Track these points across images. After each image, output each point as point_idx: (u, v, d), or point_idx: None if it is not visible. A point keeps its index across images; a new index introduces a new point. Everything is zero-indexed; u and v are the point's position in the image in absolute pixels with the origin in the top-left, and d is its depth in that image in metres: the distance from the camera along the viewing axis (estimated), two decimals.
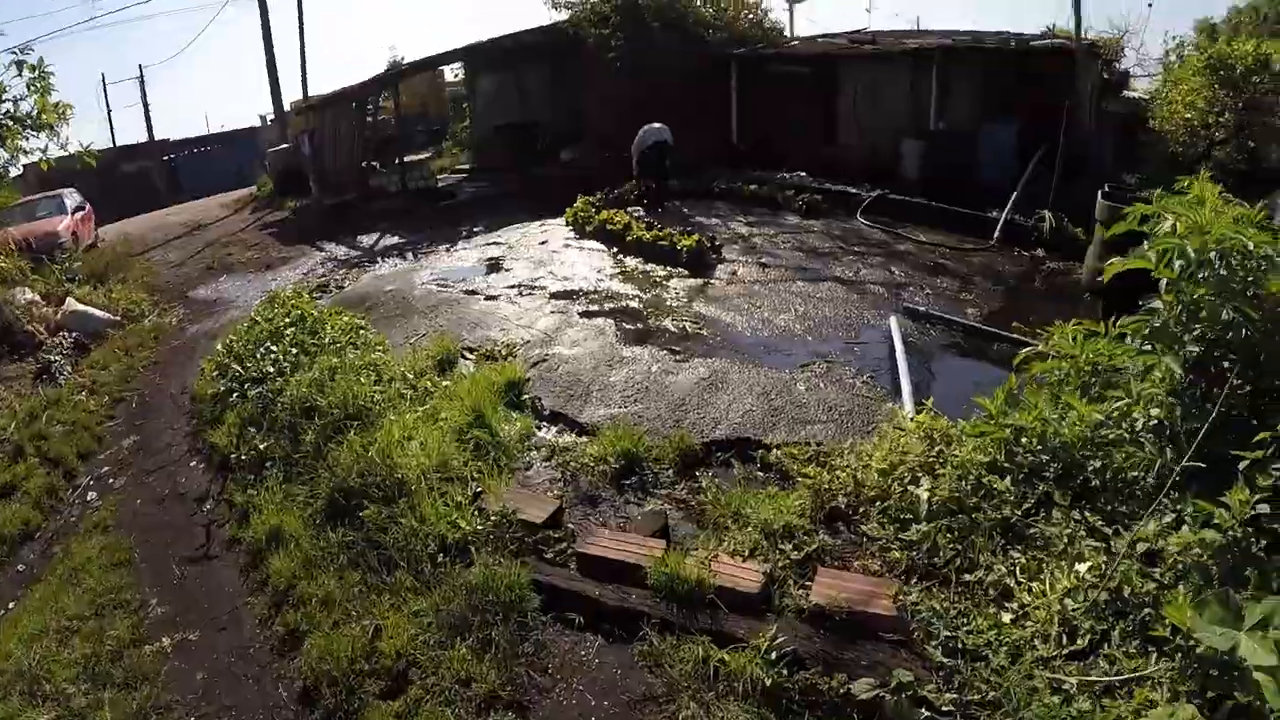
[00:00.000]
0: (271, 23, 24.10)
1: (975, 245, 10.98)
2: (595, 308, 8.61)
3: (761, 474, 5.18)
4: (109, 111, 39.32)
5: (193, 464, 6.75)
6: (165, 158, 33.22)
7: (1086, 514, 3.85)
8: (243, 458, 6.21)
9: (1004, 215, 11.78)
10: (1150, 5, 20.56)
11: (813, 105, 16.20)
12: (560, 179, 15.64)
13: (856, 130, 15.69)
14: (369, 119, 19.15)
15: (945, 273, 9.63)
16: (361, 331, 7.87)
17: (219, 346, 8.17)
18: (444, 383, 6.66)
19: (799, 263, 9.91)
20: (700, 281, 9.28)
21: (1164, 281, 3.91)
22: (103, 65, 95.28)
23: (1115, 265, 4.21)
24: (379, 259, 12.16)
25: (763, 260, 9.98)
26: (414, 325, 8.54)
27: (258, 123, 36.45)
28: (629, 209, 12.71)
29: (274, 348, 7.40)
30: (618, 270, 9.89)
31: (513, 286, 9.59)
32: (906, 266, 9.87)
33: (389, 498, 5.00)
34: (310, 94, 23.82)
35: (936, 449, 4.67)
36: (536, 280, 9.78)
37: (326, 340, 7.49)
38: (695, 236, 9.98)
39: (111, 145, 29.81)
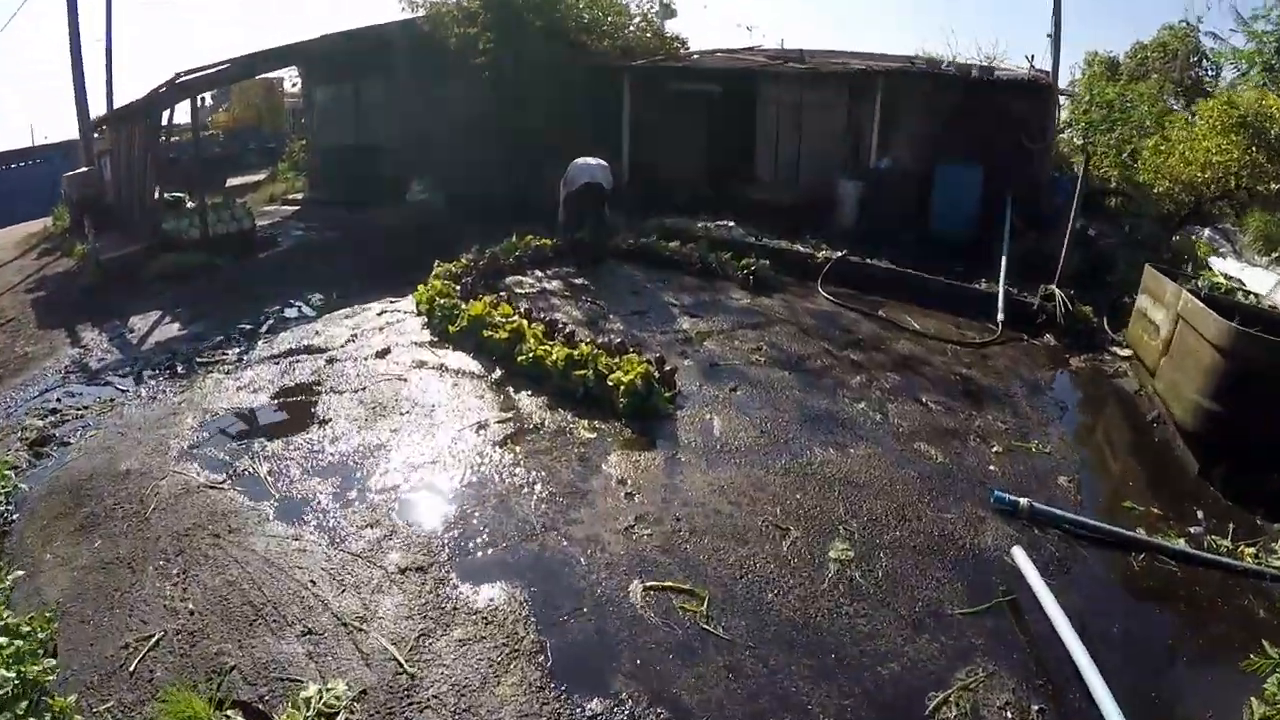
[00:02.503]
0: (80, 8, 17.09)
1: (981, 337, 7.77)
2: (488, 555, 3.95)
3: None
4: None
5: None
6: None
7: None
8: None
9: (1001, 288, 8.73)
10: (1050, 36, 18.70)
11: (725, 133, 12.70)
12: (410, 227, 10.85)
13: (775, 166, 11.83)
14: (165, 138, 13.49)
15: (983, 397, 6.09)
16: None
17: None
18: None
19: (792, 395, 5.87)
20: (656, 458, 4.93)
21: None
22: None
23: None
24: (141, 373, 6.65)
25: (737, 394, 5.85)
26: (142, 598, 3.63)
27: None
28: (546, 273, 8.56)
29: None
30: (510, 428, 5.24)
31: (330, 477, 4.71)
32: (930, 386, 6.23)
33: None
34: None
35: None
36: (369, 468, 4.79)
37: None
38: (640, 364, 5.55)
39: None
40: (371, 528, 4.14)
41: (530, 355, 5.81)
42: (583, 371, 5.52)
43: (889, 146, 11.01)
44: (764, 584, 3.73)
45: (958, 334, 7.66)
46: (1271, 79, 11.41)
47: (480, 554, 3.94)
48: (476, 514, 4.28)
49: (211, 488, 4.59)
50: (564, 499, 4.44)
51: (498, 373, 5.98)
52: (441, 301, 6.90)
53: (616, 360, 5.64)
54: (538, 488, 4.55)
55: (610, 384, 5.41)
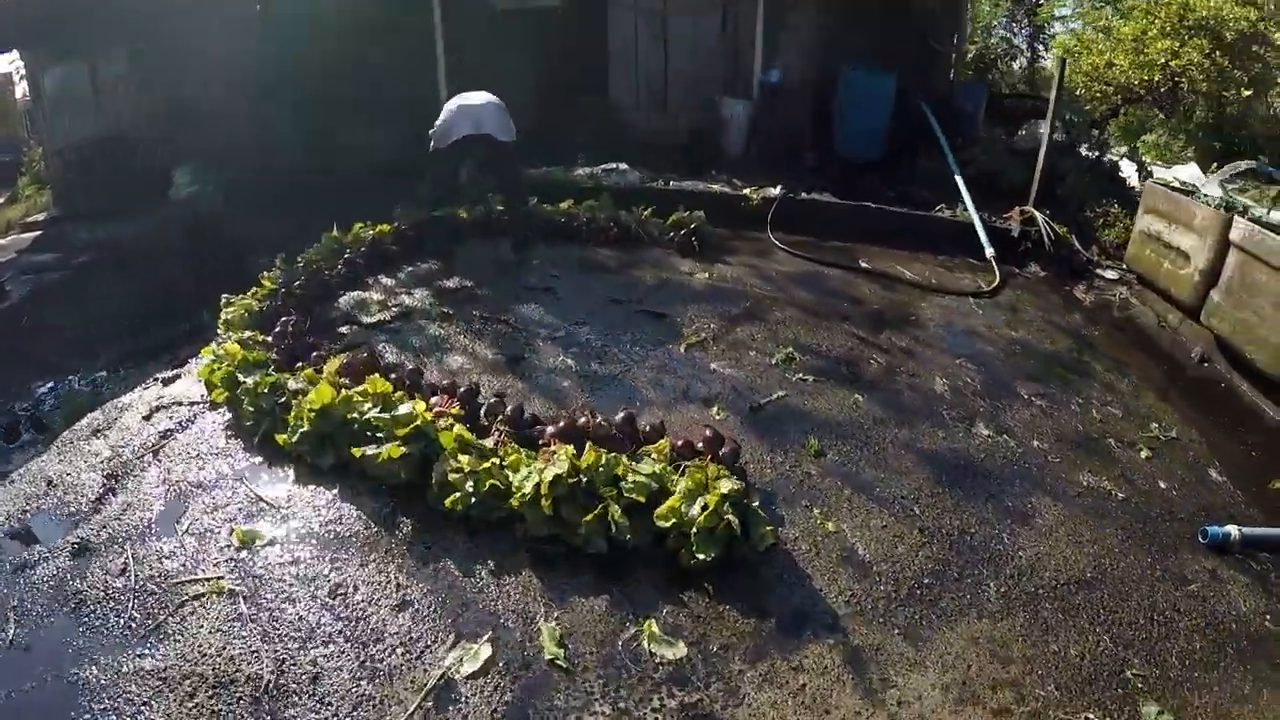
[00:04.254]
0: None
1: (976, 279, 5.97)
2: None
3: None
4: None
5: None
6: None
7: None
8: None
9: (975, 216, 6.90)
10: None
11: (570, 56, 9.55)
12: (177, 239, 6.68)
13: (637, 90, 8.88)
14: None
15: (1064, 372, 4.40)
16: None
17: None
18: None
19: (893, 436, 3.57)
20: (826, 671, 2.31)
21: None
22: None
23: None
24: None
25: (828, 459, 3.38)
26: None
27: None
28: (398, 278, 5.13)
29: None
30: (509, 682, 2.26)
31: None
32: (1006, 367, 4.37)
33: None
34: None
35: None
36: None
37: None
38: (717, 476, 2.78)
39: None
40: None
41: (472, 488, 2.78)
42: (595, 512, 2.67)
43: (776, 54, 8.74)
44: None
45: (956, 280, 5.81)
46: None
47: None
48: None
49: None
50: None
51: (403, 528, 2.87)
52: (251, 380, 3.46)
53: (653, 468, 2.87)
54: None
55: (662, 523, 2.68)
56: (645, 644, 2.38)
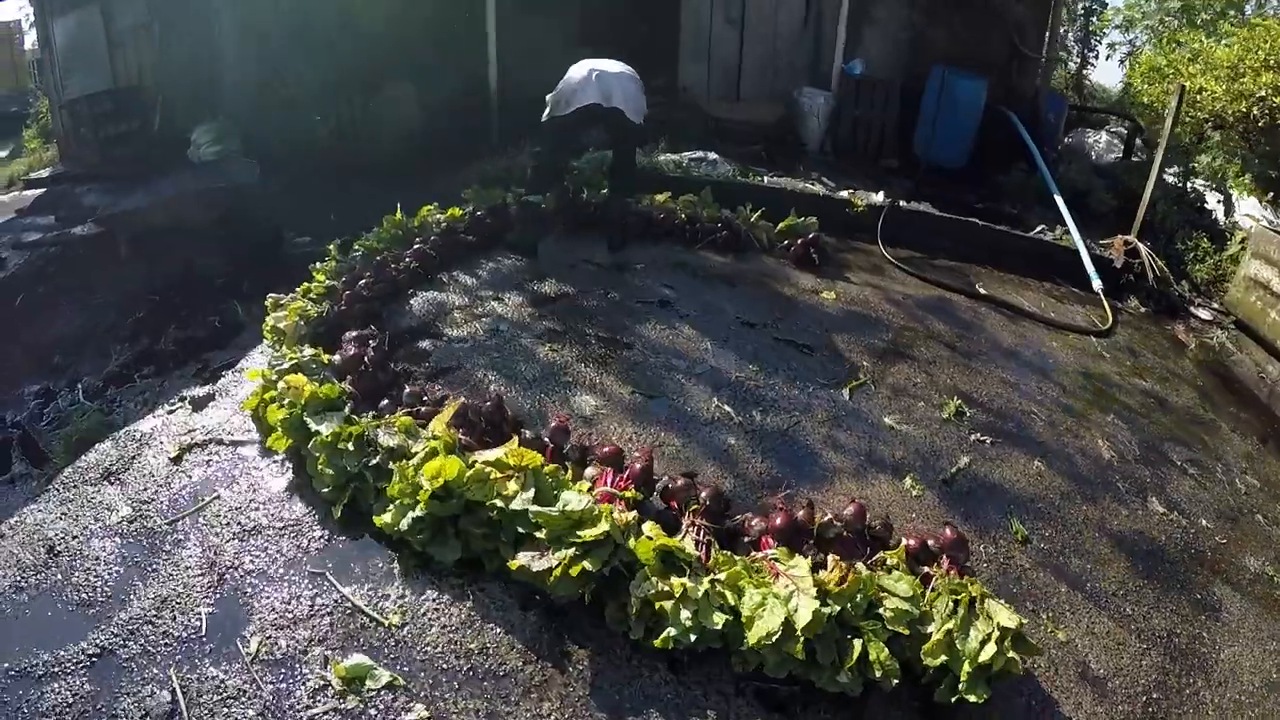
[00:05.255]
0: None
1: (1085, 311, 5.17)
2: None
3: None
4: None
5: None
6: None
7: None
8: None
9: (1080, 243, 6.06)
10: None
11: (633, 31, 8.25)
12: (200, 213, 5.00)
13: (709, 72, 7.80)
14: None
15: (1183, 433, 3.69)
16: None
17: None
18: None
19: (1129, 544, 2.81)
20: None
21: None
22: None
23: None
24: None
25: (1068, 562, 2.64)
26: None
27: None
28: (480, 277, 4.01)
29: None
30: None
31: None
32: (1175, 438, 3.63)
33: None
34: None
35: None
36: None
37: None
38: None
39: None
40: None
41: (690, 621, 1.85)
42: (856, 652, 1.84)
43: (859, 47, 7.81)
44: None
45: (1069, 312, 5.03)
46: None
47: None
48: None
49: None
50: None
51: (579, 664, 1.94)
52: (327, 430, 2.40)
53: (907, 585, 2.02)
54: None
55: (930, 661, 1.85)
56: None
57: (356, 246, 4.09)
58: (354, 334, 3.13)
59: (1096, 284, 5.30)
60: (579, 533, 1.95)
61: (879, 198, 5.86)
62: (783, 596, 1.87)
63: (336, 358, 3.01)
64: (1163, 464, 3.41)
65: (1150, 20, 11.31)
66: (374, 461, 2.36)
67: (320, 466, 2.39)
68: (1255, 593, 2.77)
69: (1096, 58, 12.64)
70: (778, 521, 2.19)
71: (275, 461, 2.69)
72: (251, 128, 6.26)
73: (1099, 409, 3.77)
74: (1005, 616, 2.01)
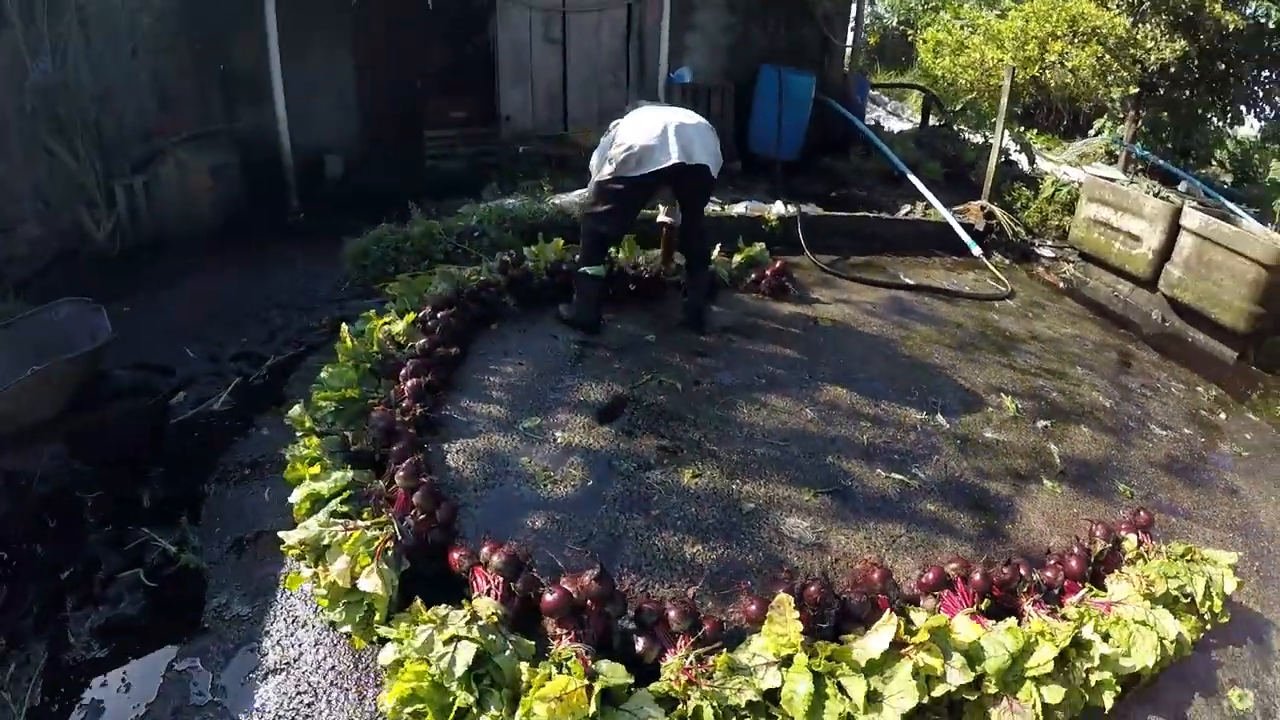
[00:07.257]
0: None
1: (990, 279, 5.88)
2: None
3: None
4: None
5: None
6: None
7: None
8: None
9: (949, 215, 6.71)
10: None
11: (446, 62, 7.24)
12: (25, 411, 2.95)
13: (532, 91, 7.21)
14: None
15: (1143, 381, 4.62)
16: None
17: None
18: None
19: None
20: None
21: None
22: None
23: None
24: None
25: None
26: None
27: None
28: (518, 364, 2.64)
29: None
30: None
31: None
32: (1114, 371, 4.49)
33: None
34: None
35: None
36: None
37: None
38: None
39: None
40: None
41: None
42: None
43: (685, 52, 7.81)
44: None
45: (969, 281, 5.76)
46: None
47: None
48: None
49: None
50: None
51: None
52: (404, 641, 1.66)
53: None
54: None
55: None
56: None
57: (320, 403, 2.96)
58: (400, 446, 2.25)
59: (976, 250, 6.04)
60: None
61: (781, 208, 5.96)
62: None
63: (381, 482, 2.14)
64: (1152, 431, 4.05)
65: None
66: None
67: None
68: None
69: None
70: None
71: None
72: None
73: (1089, 372, 4.35)
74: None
